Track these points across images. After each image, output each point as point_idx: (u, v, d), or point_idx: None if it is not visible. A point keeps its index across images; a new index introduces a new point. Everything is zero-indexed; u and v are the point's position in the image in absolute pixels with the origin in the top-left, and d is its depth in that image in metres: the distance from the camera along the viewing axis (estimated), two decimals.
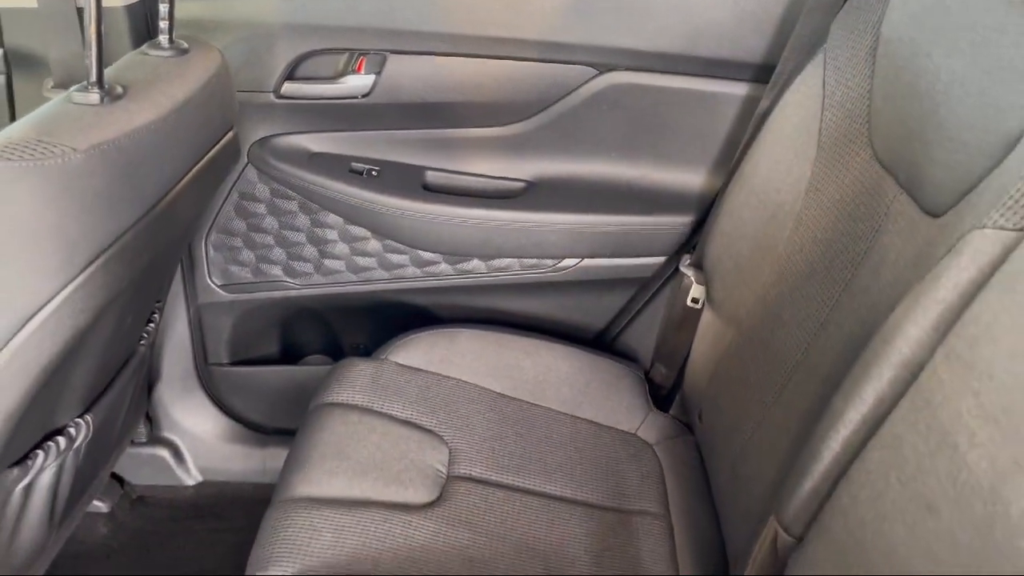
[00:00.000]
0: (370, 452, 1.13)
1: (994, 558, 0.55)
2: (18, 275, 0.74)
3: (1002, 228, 0.67)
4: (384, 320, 1.50)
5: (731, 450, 1.11)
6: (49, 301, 0.76)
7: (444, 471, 1.15)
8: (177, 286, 1.47)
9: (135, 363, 1.18)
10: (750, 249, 1.20)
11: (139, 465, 1.60)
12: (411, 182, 1.41)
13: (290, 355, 1.63)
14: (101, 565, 1.48)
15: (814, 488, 0.79)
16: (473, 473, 1.16)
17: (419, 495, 1.10)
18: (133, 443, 1.58)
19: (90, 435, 1.05)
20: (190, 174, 0.95)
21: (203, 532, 1.56)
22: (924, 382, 0.68)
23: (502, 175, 1.43)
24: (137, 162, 0.83)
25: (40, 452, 0.96)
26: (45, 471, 1.00)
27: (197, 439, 1.61)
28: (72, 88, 0.84)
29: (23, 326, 0.76)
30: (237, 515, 1.59)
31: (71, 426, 1.01)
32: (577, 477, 1.19)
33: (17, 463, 0.93)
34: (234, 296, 1.50)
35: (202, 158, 0.98)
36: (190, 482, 1.63)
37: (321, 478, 1.09)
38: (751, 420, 1.07)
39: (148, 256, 0.92)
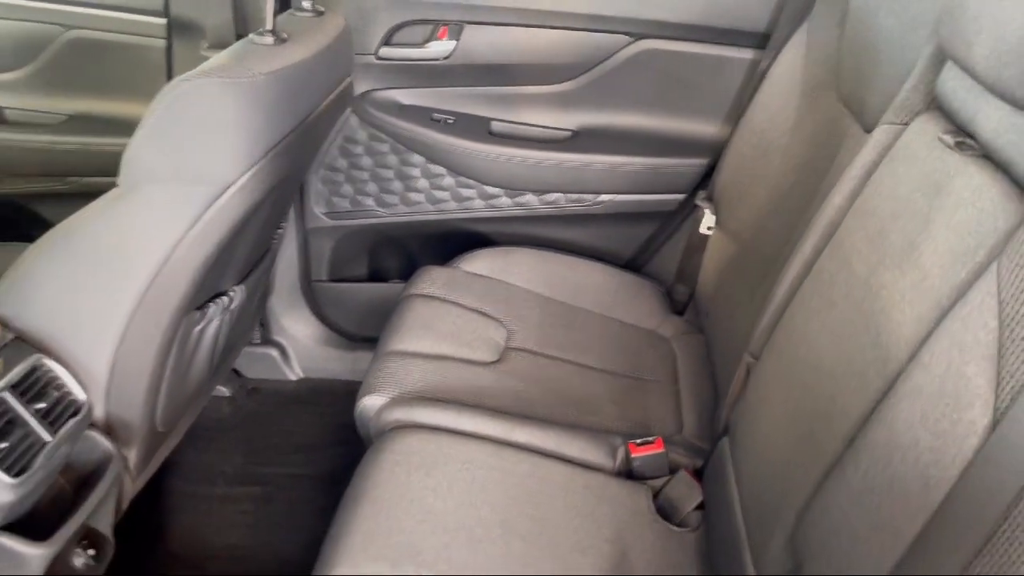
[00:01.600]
0: (447, 326, 1.48)
1: (869, 326, 0.85)
2: (223, 156, 1.09)
3: (892, 123, 0.98)
4: (454, 245, 1.83)
5: (728, 334, 1.42)
6: (239, 178, 1.12)
7: (503, 343, 1.48)
8: (289, 214, 1.84)
9: (268, 258, 1.54)
10: (749, 179, 1.50)
11: (253, 362, 1.97)
12: (480, 129, 1.75)
13: (377, 275, 1.98)
14: (226, 435, 1.85)
15: (770, 320, 1.10)
16: (525, 347, 1.49)
17: (484, 356, 1.43)
18: (250, 344, 1.95)
19: (243, 300, 1.41)
20: (325, 102, 1.30)
21: (303, 415, 1.92)
22: (839, 231, 0.99)
23: (552, 125, 1.76)
24: (295, 87, 1.19)
25: (213, 304, 1.32)
26: (212, 321, 1.36)
27: (299, 343, 1.97)
28: (251, 34, 1.19)
29: (223, 192, 1.11)
30: (330, 404, 1.94)
31: (232, 291, 1.38)
32: (606, 356, 1.52)
33: (198, 308, 1.29)
34: (334, 223, 1.86)
35: (333, 91, 1.34)
36: (293, 377, 1.99)
37: (410, 340, 1.43)
38: (743, 308, 1.38)
39: (293, 162, 1.27)
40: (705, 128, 1.70)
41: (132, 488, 1.36)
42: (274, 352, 1.97)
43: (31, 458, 1.04)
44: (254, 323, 1.88)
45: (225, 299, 1.36)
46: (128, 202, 1.11)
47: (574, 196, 1.77)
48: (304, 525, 1.64)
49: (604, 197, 1.77)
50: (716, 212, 1.60)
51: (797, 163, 1.37)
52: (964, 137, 0.82)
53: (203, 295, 1.28)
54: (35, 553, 1.05)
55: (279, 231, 1.60)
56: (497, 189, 1.78)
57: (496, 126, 1.77)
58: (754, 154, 1.50)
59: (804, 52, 1.42)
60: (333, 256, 1.92)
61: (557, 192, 1.77)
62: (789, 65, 1.46)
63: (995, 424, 0.65)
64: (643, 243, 1.84)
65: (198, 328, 1.32)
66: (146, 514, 1.61)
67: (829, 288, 0.95)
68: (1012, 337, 0.66)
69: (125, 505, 1.35)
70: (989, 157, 0.78)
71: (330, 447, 1.82)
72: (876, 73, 1.14)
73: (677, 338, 1.61)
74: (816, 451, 0.85)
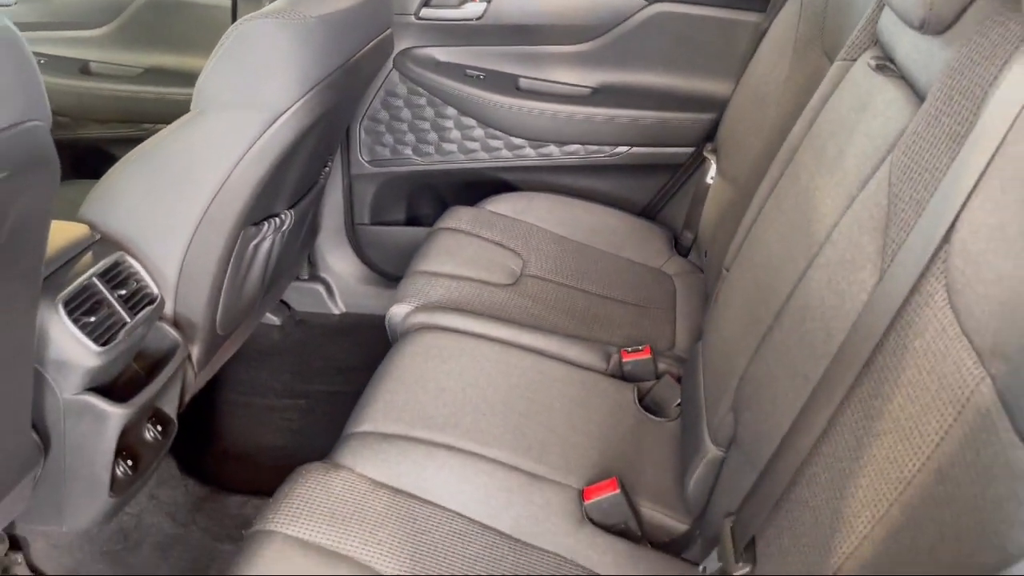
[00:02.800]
0: (469, 254, 1.66)
1: (804, 222, 1.01)
2: (277, 86, 1.29)
3: (844, 60, 1.13)
4: (483, 191, 2.02)
5: (719, 266, 1.58)
6: (290, 106, 1.32)
7: (518, 271, 1.66)
8: (336, 162, 2.04)
9: (316, 191, 1.75)
10: (746, 129, 1.66)
11: (301, 295, 2.18)
12: (508, 85, 1.93)
13: (413, 219, 2.18)
14: (276, 357, 2.07)
15: (741, 237, 1.26)
16: (538, 274, 1.67)
17: (500, 280, 1.62)
18: (298, 279, 2.16)
19: (291, 226, 1.62)
20: (365, 48, 1.50)
21: (343, 344, 2.13)
22: (796, 154, 1.15)
23: (574, 82, 1.93)
24: (339, 31, 1.38)
25: (267, 223, 1.53)
26: (266, 239, 1.57)
27: (343, 280, 2.18)
28: None
29: (276, 119, 1.31)
30: (368, 335, 2.14)
31: (283, 214, 1.58)
32: (612, 286, 1.68)
33: (254, 224, 1.50)
34: (376, 170, 2.06)
35: (372, 39, 1.53)
36: (336, 311, 2.20)
37: (436, 263, 1.62)
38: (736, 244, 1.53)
39: (337, 98, 1.46)
40: (712, 85, 1.85)
41: (194, 383, 1.58)
42: (320, 288, 2.18)
43: (113, 333, 1.25)
44: (302, 259, 2.09)
45: (277, 220, 1.57)
46: (198, 125, 1.32)
47: (593, 148, 1.94)
48: (340, 432, 1.85)
49: (620, 149, 1.93)
50: (717, 161, 1.76)
51: (788, 112, 1.51)
52: (886, 62, 0.97)
53: (258, 213, 1.49)
54: (116, 412, 1.27)
55: (326, 169, 1.80)
56: (522, 140, 1.96)
57: (523, 82, 1.95)
58: (752, 106, 1.65)
59: (797, 13, 1.56)
60: (374, 201, 2.12)
61: (577, 144, 1.94)
62: (784, 25, 1.61)
63: (879, 281, 0.81)
64: (655, 193, 2.00)
65: (254, 243, 1.53)
66: (206, 418, 1.84)
67: (783, 199, 1.11)
68: (895, 211, 0.81)
69: (188, 397, 1.57)
70: (903, 77, 0.94)
71: (366, 370, 2.00)
72: (850, 26, 1.29)
73: (680, 275, 1.77)
74: (756, 328, 1.01)
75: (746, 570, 0.89)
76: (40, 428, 1.25)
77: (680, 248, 1.89)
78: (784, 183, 1.13)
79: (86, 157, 2.16)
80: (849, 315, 0.83)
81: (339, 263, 2.18)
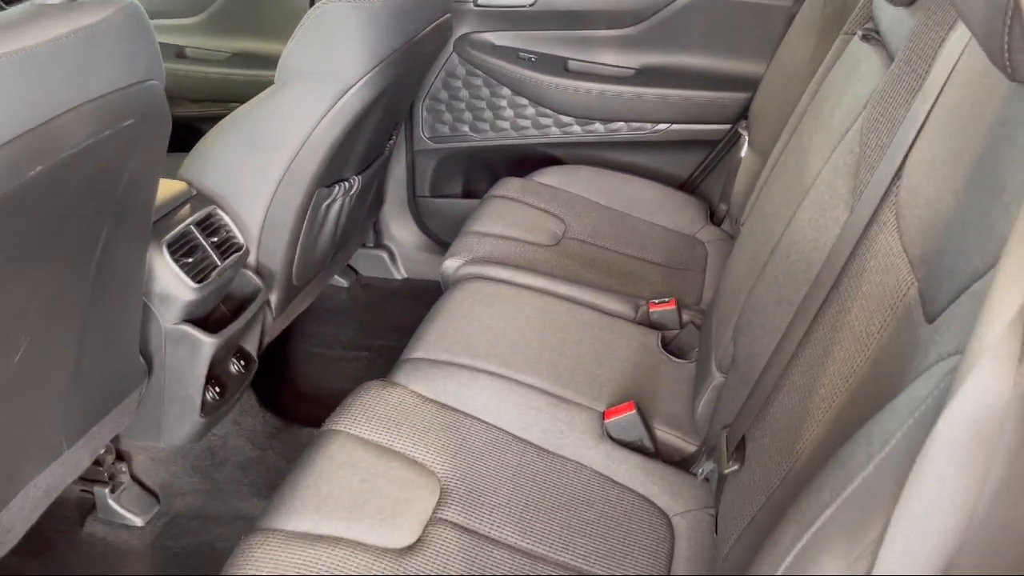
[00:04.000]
0: (516, 218, 1.83)
1: (798, 175, 1.15)
2: (348, 61, 1.49)
3: (846, 34, 1.26)
4: (532, 166, 2.18)
5: None
6: (359, 79, 1.51)
7: (561, 234, 1.83)
8: (401, 139, 2.23)
9: (381, 161, 1.95)
10: (774, 105, 1.78)
11: (367, 261, 2.39)
12: (558, 66, 2.09)
13: (469, 192, 2.36)
14: (342, 315, 2.28)
15: (754, 196, 1.40)
16: (579, 237, 1.83)
17: (543, 241, 1.78)
18: (364, 246, 2.37)
19: (358, 190, 1.82)
20: (425, 30, 1.68)
21: (404, 306, 2.33)
22: (801, 122, 1.28)
23: (619, 64, 2.08)
24: (401, 14, 1.57)
25: (337, 185, 1.73)
26: (336, 201, 1.77)
27: (404, 248, 2.38)
28: None
29: (347, 90, 1.51)
30: (426, 299, 2.31)
31: (352, 179, 1.78)
32: (646, 249, 1.83)
33: (327, 186, 1.70)
34: (436, 145, 2.25)
35: (431, 23, 1.72)
36: (398, 276, 2.40)
37: (486, 225, 1.80)
38: (751, 201, 1.67)
39: (399, 74, 1.65)
40: (746, 66, 1.98)
41: (272, 327, 1.79)
42: (384, 255, 2.39)
43: (207, 274, 1.47)
44: (368, 227, 2.29)
45: (347, 184, 1.77)
46: (280, 95, 1.52)
47: (635, 124, 2.09)
48: None
49: (661, 126, 2.08)
50: (749, 136, 1.89)
51: (810, 88, 1.64)
52: (873, 33, 1.10)
53: (331, 176, 1.69)
54: (207, 341, 1.48)
55: (390, 141, 1.99)
56: (570, 118, 2.12)
57: (572, 64, 2.11)
58: (780, 85, 1.78)
59: None
60: (434, 175, 2.31)
61: (621, 121, 2.09)
62: (810, 9, 1.73)
63: (849, 216, 0.95)
64: (694, 167, 2.13)
65: (326, 203, 1.73)
66: (281, 363, 2.05)
67: (787, 158, 1.25)
68: (864, 157, 0.95)
69: (266, 340, 1.78)
70: (884, 45, 1.07)
71: None
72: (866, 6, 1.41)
73: (712, 242, 1.91)
74: (755, 266, 1.16)
75: (735, 468, 1.04)
76: (145, 353, 1.47)
77: (715, 219, 2.02)
78: (791, 144, 1.27)
79: (180, 133, 2.40)
80: (825, 247, 0.98)
81: (401, 232, 2.37)
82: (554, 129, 2.15)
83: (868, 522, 0.58)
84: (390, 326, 2.25)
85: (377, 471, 1.13)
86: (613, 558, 1.09)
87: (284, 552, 1.00)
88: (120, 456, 1.62)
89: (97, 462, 1.56)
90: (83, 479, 1.56)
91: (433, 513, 1.10)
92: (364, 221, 2.17)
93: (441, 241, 2.39)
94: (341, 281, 2.36)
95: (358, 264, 2.40)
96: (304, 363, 2.08)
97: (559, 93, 2.08)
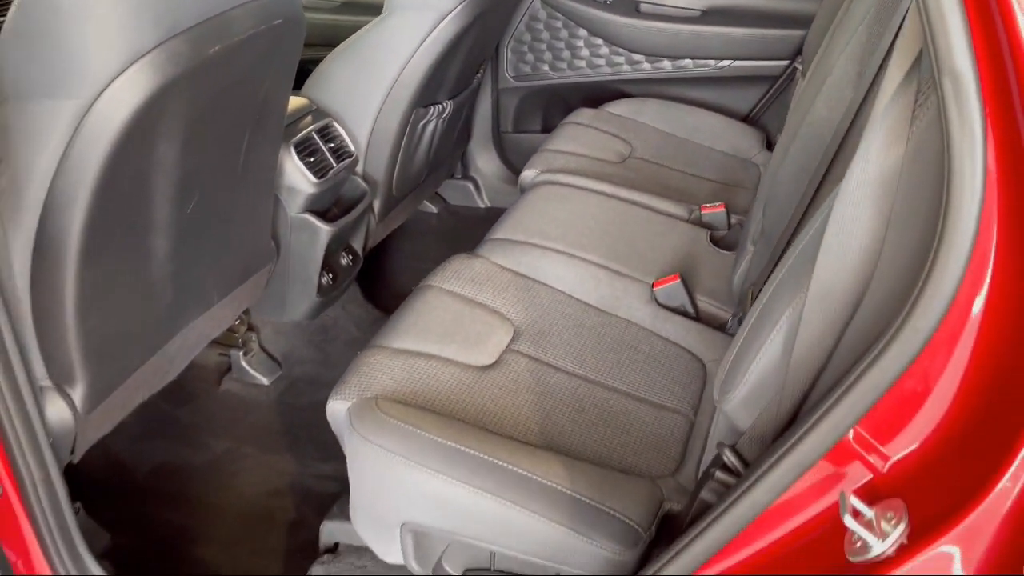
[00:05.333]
0: (587, 140, 2.07)
1: (829, 70, 1.35)
2: None
3: None
4: (604, 101, 2.41)
5: None
6: (452, 9, 1.77)
7: (627, 154, 2.05)
8: (487, 79, 2.49)
9: (469, 91, 2.21)
10: (826, 38, 1.96)
11: (454, 191, 2.66)
12: (630, 8, 2.31)
13: (547, 128, 2.60)
14: (433, 236, 2.56)
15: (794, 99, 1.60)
16: (643, 157, 2.05)
17: (611, 158, 2.01)
18: (452, 177, 2.64)
19: (450, 114, 2.08)
20: None
21: (487, 230, 2.58)
22: (834, 37, 1.47)
23: (686, 5, 2.28)
24: None
25: (432, 107, 2.00)
26: (431, 122, 2.04)
27: (488, 179, 2.64)
28: None
29: (442, 19, 1.77)
30: None
31: (444, 103, 2.05)
32: (704, 169, 2.04)
33: (423, 107, 1.97)
34: (519, 84, 2.49)
35: None
36: (482, 205, 2.66)
37: (559, 144, 2.04)
38: None
39: (488, 8, 1.90)
40: (802, 4, 2.15)
41: (375, 232, 2.07)
42: (470, 185, 2.65)
43: (325, 172, 1.76)
44: (456, 157, 2.56)
45: (440, 107, 2.04)
46: (387, 23, 1.80)
47: (700, 61, 2.29)
48: None
49: (724, 62, 2.27)
50: (803, 70, 2.06)
51: (852, 27, 1.81)
52: None
53: (426, 98, 1.95)
54: (325, 229, 1.77)
55: (478, 75, 2.25)
56: (640, 56, 2.33)
57: (643, 7, 2.32)
58: (831, 16, 1.95)
59: None
60: (516, 112, 2.56)
61: (687, 58, 2.30)
62: None
63: (853, 95, 1.15)
64: (755, 102, 2.32)
65: (422, 122, 2.00)
66: (381, 268, 2.35)
67: (821, 65, 1.44)
68: (869, 45, 1.15)
69: (370, 242, 2.07)
70: None
71: None
72: None
73: (766, 165, 2.10)
74: (783, 151, 1.36)
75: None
76: (274, 237, 1.77)
77: (771, 146, 2.20)
78: (821, 48, 1.47)
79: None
80: (834, 123, 1.18)
81: (486, 165, 2.63)
82: (625, 67, 2.37)
83: (806, 266, 0.81)
84: (474, 246, 2.51)
85: (463, 313, 1.40)
86: (654, 388, 1.33)
87: (390, 360, 1.27)
88: (251, 327, 1.94)
89: (232, 330, 1.88)
90: (221, 344, 1.88)
91: (508, 346, 1.36)
92: (453, 150, 2.43)
93: (519, 171, 2.64)
94: (431, 207, 2.63)
95: (446, 193, 2.67)
96: (400, 271, 2.37)
97: (631, 32, 2.29)
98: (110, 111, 1.04)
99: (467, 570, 1.15)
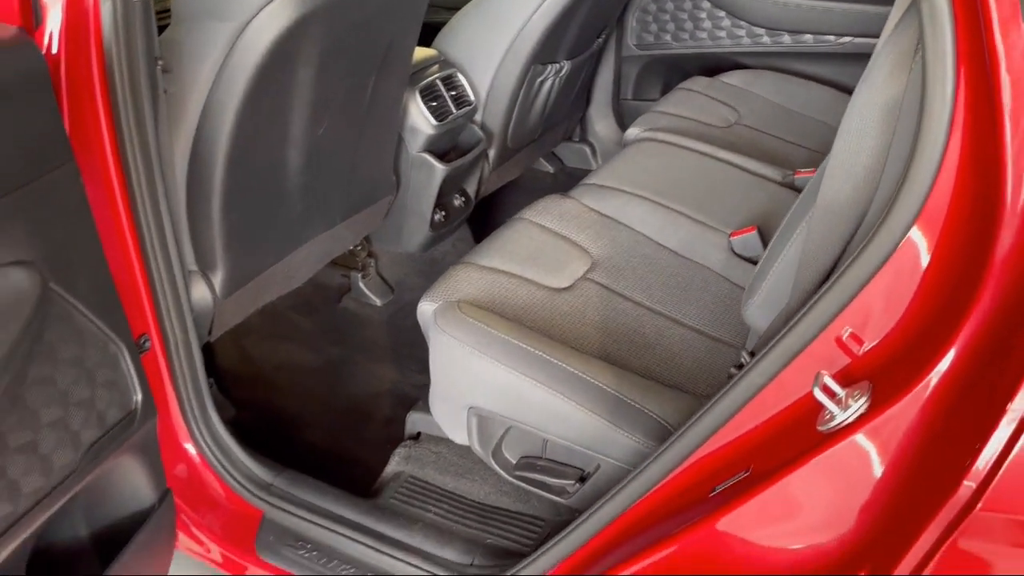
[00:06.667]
0: (694, 105, 2.16)
1: None
2: None
3: None
4: (722, 72, 2.47)
5: None
6: None
7: (733, 121, 2.12)
8: (610, 47, 2.60)
9: (586, 55, 2.34)
10: None
11: (571, 153, 2.80)
12: None
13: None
14: (548, 192, 2.70)
15: None
16: (750, 125, 2.12)
17: (717, 123, 2.09)
18: (569, 139, 2.78)
19: (567, 74, 2.22)
20: None
21: None
22: None
23: None
24: None
25: (550, 65, 2.15)
26: (547, 80, 2.18)
27: (604, 144, 2.76)
28: None
29: None
30: None
31: (562, 62, 2.19)
32: (808, 137, 2.08)
33: (541, 64, 2.12)
34: (641, 53, 2.60)
35: None
36: (595, 167, 2.79)
37: (667, 108, 2.14)
38: None
39: None
40: None
41: (488, 180, 2.25)
42: (586, 148, 2.78)
43: (445, 116, 1.94)
44: (574, 118, 2.70)
45: (557, 66, 2.18)
46: None
47: (820, 37, 2.32)
48: None
49: (844, 39, 2.29)
50: None
51: None
52: None
53: (545, 55, 2.10)
54: (440, 168, 1.95)
55: (599, 39, 2.38)
56: (761, 29, 2.38)
57: None
58: None
59: None
60: (636, 80, 2.67)
61: (808, 33, 2.33)
62: None
63: None
64: None
65: (539, 79, 2.15)
66: (493, 218, 2.52)
67: None
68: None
69: (485, 190, 2.25)
70: None
71: None
72: None
73: None
74: None
75: None
76: (396, 172, 1.98)
77: None
78: None
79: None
80: None
81: (603, 130, 2.75)
82: (746, 39, 2.42)
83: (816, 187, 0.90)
84: None
85: (547, 243, 1.55)
86: (713, 323, 1.43)
87: (476, 274, 1.44)
88: (371, 254, 2.17)
89: (354, 255, 2.11)
90: (343, 266, 2.12)
91: (583, 274, 1.49)
92: (570, 112, 2.57)
93: None
94: (548, 167, 2.78)
95: (563, 155, 2.81)
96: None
97: (755, 4, 2.35)
98: (259, 34, 1.25)
99: (522, 457, 1.31)
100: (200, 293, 1.50)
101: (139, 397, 1.12)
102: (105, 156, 1.19)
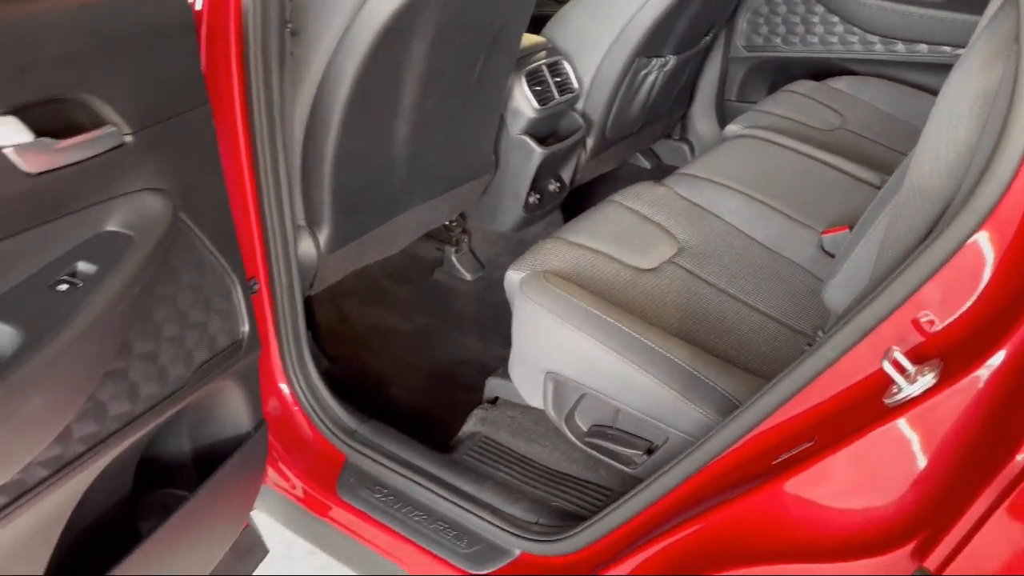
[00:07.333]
0: (797, 105, 2.15)
1: None
2: None
3: None
4: (829, 77, 2.45)
5: None
6: None
7: (837, 125, 2.11)
8: (717, 47, 2.61)
9: (692, 52, 2.35)
10: None
11: (669, 151, 2.81)
12: None
13: None
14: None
15: None
16: (854, 130, 2.09)
17: (820, 127, 2.08)
18: (669, 136, 2.80)
19: (672, 70, 2.25)
20: None
21: None
22: None
23: None
24: None
25: (655, 59, 2.18)
26: (651, 74, 2.21)
27: (703, 142, 2.76)
28: None
29: None
30: None
31: (667, 57, 2.22)
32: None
33: (646, 57, 2.15)
34: (749, 54, 2.59)
35: None
36: None
37: (770, 108, 2.14)
38: None
39: None
40: None
41: (584, 167, 2.29)
42: (685, 147, 2.79)
43: (547, 101, 2.00)
44: (674, 116, 2.71)
45: (662, 60, 2.21)
46: None
47: (936, 48, 2.27)
48: None
49: (960, 51, 2.22)
50: None
51: None
52: None
53: (650, 49, 2.14)
54: (538, 151, 2.01)
55: (706, 37, 2.39)
56: (875, 36, 2.35)
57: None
58: None
59: None
60: (742, 81, 2.66)
61: (923, 43, 2.28)
62: None
63: None
64: None
65: (643, 72, 2.19)
66: (582, 208, 2.56)
67: None
68: None
69: (580, 178, 2.29)
70: None
71: None
72: None
73: None
74: None
75: None
76: (496, 152, 2.05)
77: None
78: None
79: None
80: None
81: (704, 129, 2.76)
82: (858, 46, 2.39)
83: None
84: None
85: (636, 225, 1.58)
86: (796, 315, 1.44)
87: (564, 248, 1.49)
88: (465, 230, 2.25)
89: (449, 229, 2.20)
90: (439, 240, 2.21)
91: (669, 258, 1.53)
92: (672, 109, 2.59)
93: None
94: (644, 162, 2.81)
95: (661, 151, 2.83)
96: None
97: (871, 12, 2.31)
98: (382, 4, 1.34)
99: (593, 424, 1.36)
100: (306, 247, 1.61)
101: (246, 329, 1.22)
102: (234, 110, 1.30)
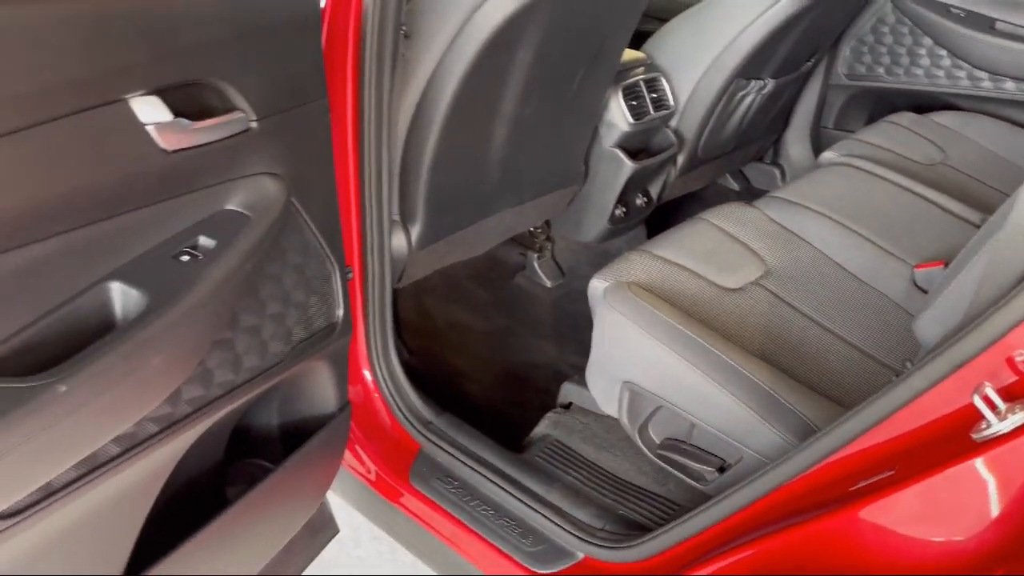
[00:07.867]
0: (896, 137, 2.11)
1: None
2: None
3: None
4: (932, 111, 2.39)
5: None
6: None
7: (937, 160, 2.06)
8: (818, 72, 2.58)
9: (792, 76, 2.34)
10: None
11: (760, 174, 2.78)
12: (984, 24, 2.27)
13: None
14: None
15: None
16: (955, 167, 2.04)
17: (918, 159, 2.04)
18: (760, 160, 2.77)
19: (770, 92, 2.24)
20: None
21: None
22: None
23: None
24: None
25: (754, 81, 2.17)
26: (748, 95, 2.21)
27: (796, 170, 2.72)
28: None
29: (777, 1, 1.94)
30: None
31: (767, 80, 2.21)
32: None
33: (744, 79, 2.15)
34: (849, 83, 2.56)
35: None
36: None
37: (870, 138, 2.11)
38: None
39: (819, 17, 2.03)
40: None
41: (673, 184, 2.30)
42: (776, 171, 2.77)
43: (641, 116, 2.02)
44: (768, 140, 2.69)
45: (761, 83, 2.20)
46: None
47: None
48: None
49: None
50: None
51: None
52: None
53: (750, 71, 2.13)
54: (628, 164, 2.03)
55: (808, 63, 2.37)
56: (983, 73, 2.29)
57: (1000, 24, 2.27)
58: None
59: None
60: (840, 110, 2.63)
61: None
62: None
63: None
64: None
65: (740, 93, 2.19)
66: (666, 225, 2.57)
67: None
68: None
69: (668, 194, 2.30)
70: None
71: None
72: None
73: None
74: None
75: None
76: (586, 163, 2.08)
77: None
78: None
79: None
80: None
81: (797, 155, 2.73)
82: (965, 81, 2.34)
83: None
84: None
85: (724, 244, 1.59)
86: (883, 348, 1.43)
87: (650, 261, 1.51)
88: (549, 237, 2.28)
89: (534, 235, 2.24)
90: (522, 245, 2.25)
91: (756, 280, 1.53)
92: (766, 132, 2.57)
93: None
94: (733, 184, 2.80)
95: (751, 174, 2.81)
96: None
97: (982, 48, 2.26)
98: (493, 12, 1.39)
99: (667, 438, 1.37)
100: (399, 241, 1.67)
101: (341, 313, 1.28)
102: (345, 105, 1.37)
